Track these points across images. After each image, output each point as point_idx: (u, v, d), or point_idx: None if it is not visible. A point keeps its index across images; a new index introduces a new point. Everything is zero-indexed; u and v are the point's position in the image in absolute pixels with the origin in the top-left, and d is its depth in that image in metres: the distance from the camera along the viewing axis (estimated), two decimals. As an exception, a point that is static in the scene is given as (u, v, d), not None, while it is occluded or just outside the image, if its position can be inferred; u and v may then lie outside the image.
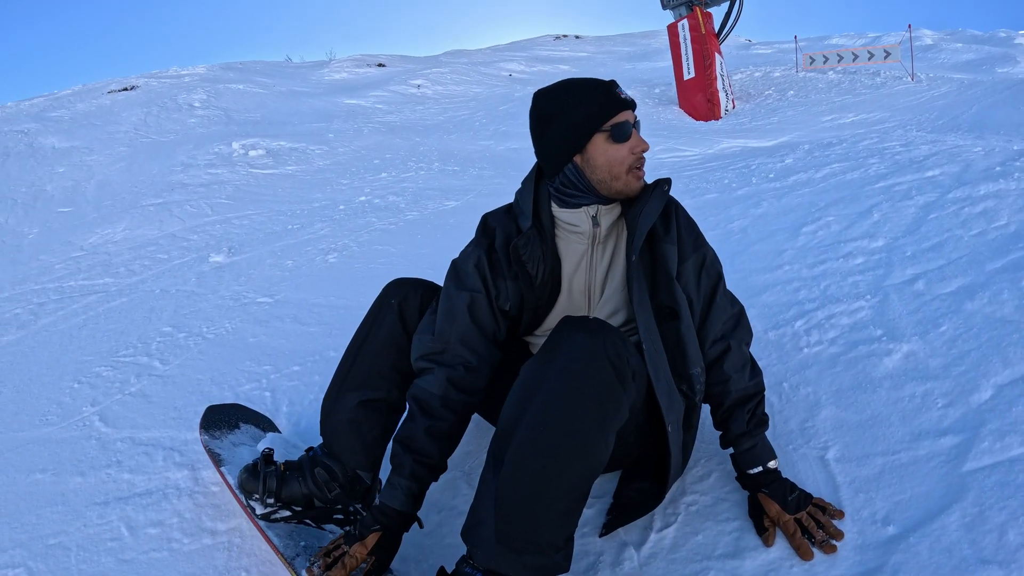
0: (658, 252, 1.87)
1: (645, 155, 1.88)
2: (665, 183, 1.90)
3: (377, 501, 1.78)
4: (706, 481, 2.06)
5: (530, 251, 1.88)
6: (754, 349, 2.68)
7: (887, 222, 3.84)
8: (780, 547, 1.75)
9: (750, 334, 2.04)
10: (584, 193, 1.88)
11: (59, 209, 8.01)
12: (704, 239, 1.99)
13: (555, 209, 1.93)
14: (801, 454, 2.07)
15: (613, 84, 1.85)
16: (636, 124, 1.86)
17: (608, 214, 1.91)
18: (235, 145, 9.72)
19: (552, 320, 1.99)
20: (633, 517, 1.87)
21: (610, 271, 1.92)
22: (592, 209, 1.89)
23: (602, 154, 1.83)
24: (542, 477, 1.44)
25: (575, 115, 1.83)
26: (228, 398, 2.98)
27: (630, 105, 1.84)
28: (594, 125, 1.82)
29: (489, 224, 2.01)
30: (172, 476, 2.43)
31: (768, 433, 2.20)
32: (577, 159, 1.86)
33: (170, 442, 2.66)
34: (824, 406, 2.26)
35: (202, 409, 2.80)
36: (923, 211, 3.91)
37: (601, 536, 1.89)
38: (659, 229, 1.89)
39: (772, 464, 1.86)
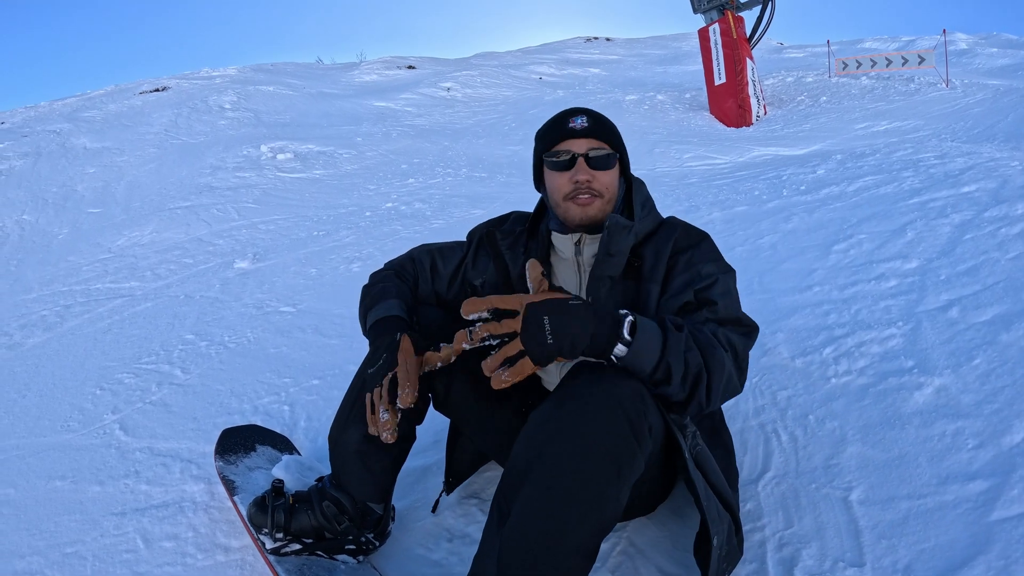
0: (640, 291, 1.81)
1: (596, 186, 1.82)
2: (618, 222, 1.82)
3: (370, 324, 1.90)
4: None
5: (509, 242, 1.97)
6: (780, 376, 2.62)
7: (921, 242, 3.75)
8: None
9: (739, 359, 1.66)
10: (555, 219, 1.93)
11: (89, 210, 8.10)
12: (711, 261, 1.80)
13: (552, 233, 1.95)
14: (824, 494, 1.99)
15: (576, 113, 1.86)
16: (591, 154, 1.82)
17: (594, 243, 1.88)
18: (263, 148, 9.77)
19: None
20: None
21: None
22: (576, 236, 1.89)
23: (549, 181, 1.89)
24: (550, 534, 1.37)
25: (536, 143, 1.93)
26: (247, 410, 2.98)
27: (580, 135, 1.83)
28: (539, 153, 1.91)
29: (509, 215, 2.10)
30: (189, 489, 2.42)
31: (791, 468, 2.13)
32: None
33: (188, 454, 2.66)
34: (850, 442, 2.18)
35: (221, 421, 2.82)
36: (958, 230, 3.81)
37: None
38: (645, 266, 1.83)
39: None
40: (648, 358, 1.44)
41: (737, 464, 1.94)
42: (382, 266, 2.11)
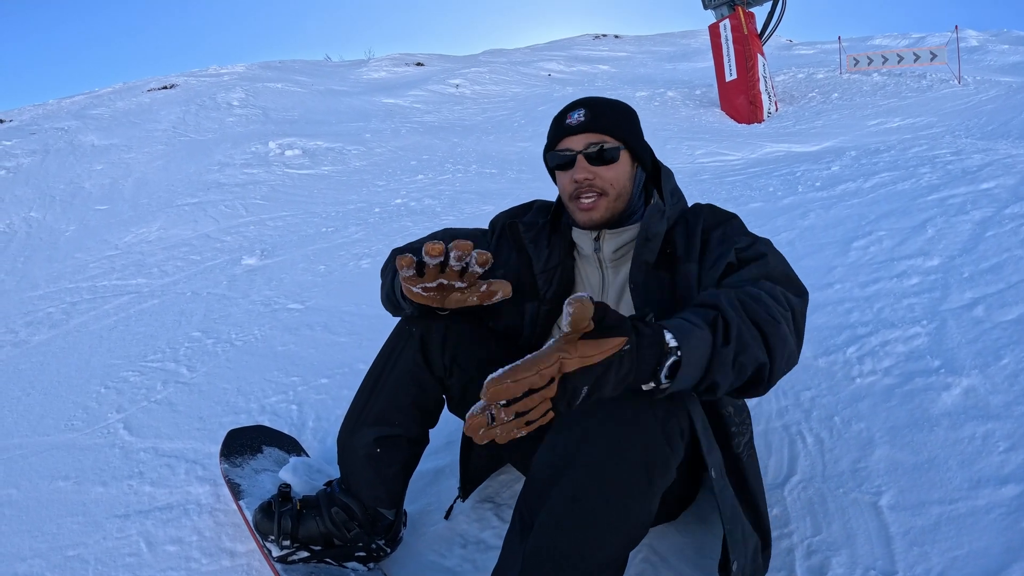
0: (678, 275, 1.70)
1: (598, 184, 1.74)
2: (657, 206, 1.75)
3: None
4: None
5: (532, 235, 1.89)
6: (803, 376, 2.55)
7: (942, 238, 3.67)
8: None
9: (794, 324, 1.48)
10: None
11: (96, 207, 8.07)
12: (745, 234, 1.71)
13: (572, 229, 1.89)
14: (852, 499, 1.93)
15: (573, 108, 1.79)
16: (589, 150, 1.73)
17: (615, 238, 1.81)
18: (272, 145, 9.75)
19: (561, 330, 1.91)
20: None
21: (623, 298, 1.83)
22: (595, 232, 1.82)
23: (558, 181, 1.84)
24: (577, 549, 1.29)
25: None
26: (254, 410, 2.92)
27: (577, 131, 1.75)
28: (545, 154, 1.85)
29: (532, 203, 2.03)
30: (193, 491, 2.37)
31: (818, 472, 2.06)
32: None
33: (193, 454, 2.61)
34: (878, 445, 2.12)
35: (227, 421, 2.77)
36: (980, 227, 3.74)
37: None
38: (679, 248, 1.73)
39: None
40: (689, 381, 1.26)
41: (761, 468, 1.87)
42: (403, 245, 2.00)
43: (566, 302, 1.11)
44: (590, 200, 1.74)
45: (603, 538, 1.30)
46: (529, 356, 1.10)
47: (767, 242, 1.65)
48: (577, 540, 1.29)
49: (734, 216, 1.78)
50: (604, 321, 1.16)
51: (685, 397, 1.42)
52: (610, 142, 1.74)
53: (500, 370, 1.09)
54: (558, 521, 1.30)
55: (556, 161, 1.78)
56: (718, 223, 1.74)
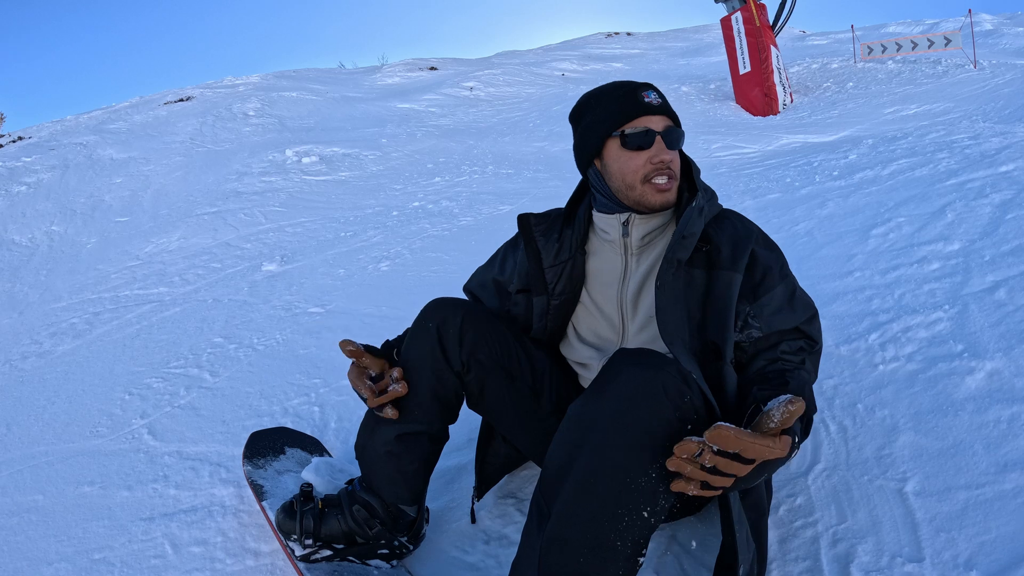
0: (716, 279, 1.67)
1: (674, 167, 1.74)
2: (698, 204, 1.73)
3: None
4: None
5: (544, 228, 1.88)
6: (825, 365, 2.53)
7: (962, 223, 3.62)
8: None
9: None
10: (608, 199, 1.82)
11: (116, 219, 8.15)
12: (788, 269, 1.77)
13: (594, 212, 1.87)
14: (877, 486, 1.90)
15: (644, 87, 1.75)
16: (668, 132, 1.72)
17: (644, 224, 1.78)
18: (289, 152, 9.80)
19: (576, 329, 1.92)
20: None
21: (644, 288, 1.79)
22: (624, 216, 1.79)
23: (615, 161, 1.76)
24: (594, 535, 1.27)
25: (595, 117, 1.79)
26: (276, 412, 2.94)
27: (656, 111, 1.71)
28: (607, 129, 1.76)
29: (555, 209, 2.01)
30: (218, 493, 2.39)
31: (842, 460, 2.05)
32: (597, 163, 1.82)
33: (217, 457, 2.63)
34: (902, 431, 2.09)
35: (251, 424, 2.79)
36: (1000, 210, 3.68)
37: None
38: (724, 254, 1.68)
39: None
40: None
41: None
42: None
43: (780, 406, 1.21)
44: (666, 181, 1.72)
45: (618, 524, 1.27)
46: (760, 434, 1.20)
47: (817, 316, 1.81)
48: (593, 529, 1.27)
49: (777, 247, 1.80)
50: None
51: (699, 379, 1.40)
52: (681, 129, 1.77)
53: (733, 426, 1.17)
54: (572, 510, 1.29)
55: (635, 142, 1.71)
56: (771, 248, 1.77)
